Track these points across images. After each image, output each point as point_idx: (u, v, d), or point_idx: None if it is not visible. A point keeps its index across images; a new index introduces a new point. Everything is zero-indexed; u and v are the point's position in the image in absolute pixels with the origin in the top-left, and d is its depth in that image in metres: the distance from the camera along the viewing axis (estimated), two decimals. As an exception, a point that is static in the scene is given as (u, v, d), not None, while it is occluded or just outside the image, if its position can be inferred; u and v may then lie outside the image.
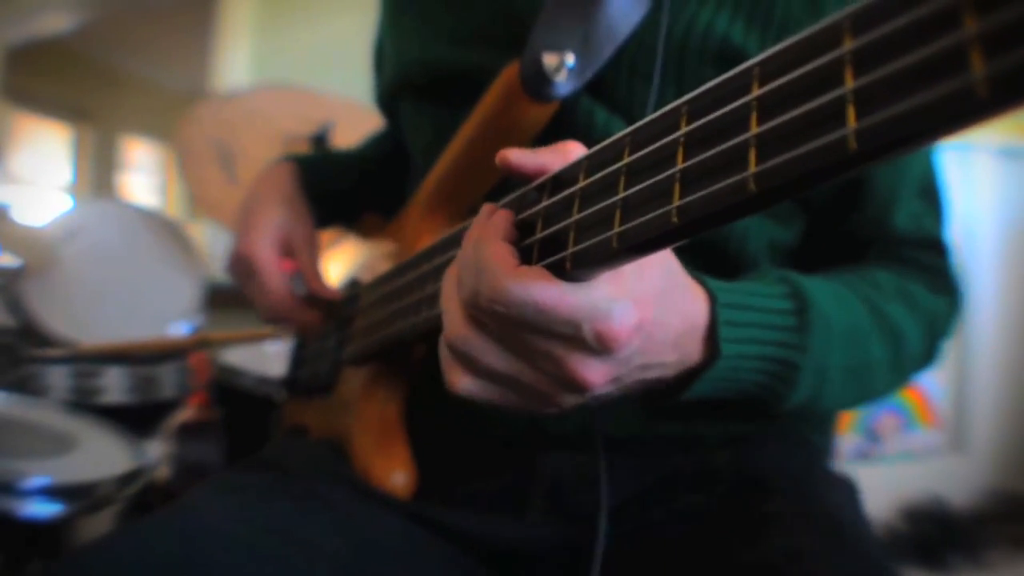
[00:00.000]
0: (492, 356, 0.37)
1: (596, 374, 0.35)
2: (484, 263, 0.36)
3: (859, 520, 0.57)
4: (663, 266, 0.38)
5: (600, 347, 0.34)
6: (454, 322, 0.38)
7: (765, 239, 0.56)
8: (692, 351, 0.42)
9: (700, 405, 0.46)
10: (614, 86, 0.55)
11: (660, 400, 0.44)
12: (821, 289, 0.49)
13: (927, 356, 0.58)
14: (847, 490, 0.61)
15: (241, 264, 0.70)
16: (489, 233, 0.37)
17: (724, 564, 0.50)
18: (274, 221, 0.71)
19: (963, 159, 2.46)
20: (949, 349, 0.60)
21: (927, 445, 2.46)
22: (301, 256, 0.72)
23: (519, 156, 0.38)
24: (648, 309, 0.36)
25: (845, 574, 0.48)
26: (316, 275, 0.72)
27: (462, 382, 0.38)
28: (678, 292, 0.40)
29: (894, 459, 2.38)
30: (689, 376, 0.43)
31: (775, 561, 0.49)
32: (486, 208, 0.40)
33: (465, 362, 0.38)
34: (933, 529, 2.25)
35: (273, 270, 0.69)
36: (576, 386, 0.36)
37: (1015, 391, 2.56)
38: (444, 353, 0.39)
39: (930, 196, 0.61)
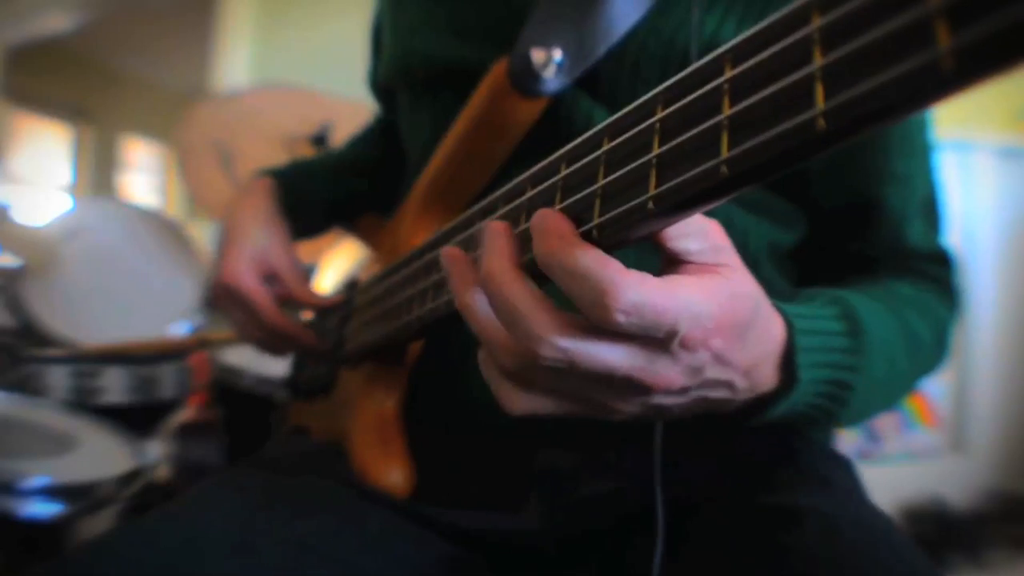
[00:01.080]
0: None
1: (665, 376, 0.34)
2: (595, 276, 0.31)
3: (851, 480, 0.59)
4: (755, 293, 0.36)
5: (676, 345, 0.32)
6: (546, 344, 0.33)
7: (765, 241, 0.56)
8: (765, 378, 0.41)
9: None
10: (617, 89, 0.54)
11: (725, 424, 0.44)
12: (866, 307, 0.49)
13: (935, 363, 0.59)
14: (841, 462, 0.62)
15: (226, 294, 0.70)
16: (568, 242, 0.33)
17: (726, 555, 0.50)
18: (251, 245, 0.71)
19: (963, 159, 2.46)
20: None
21: (927, 445, 2.46)
22: (285, 278, 0.72)
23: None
24: (729, 321, 0.34)
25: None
26: (306, 292, 0.72)
27: (521, 403, 0.36)
28: (763, 321, 0.39)
29: (894, 459, 2.38)
30: (755, 403, 0.42)
31: (767, 512, 0.49)
32: (496, 228, 0.36)
33: (528, 378, 0.35)
34: (933, 529, 2.25)
35: (256, 292, 0.69)
36: (642, 388, 0.34)
37: (1015, 391, 2.56)
38: (496, 374, 0.36)
39: (933, 210, 0.61)
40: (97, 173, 5.37)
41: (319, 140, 1.47)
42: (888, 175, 0.57)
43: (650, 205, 0.29)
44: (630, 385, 0.34)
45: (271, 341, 0.72)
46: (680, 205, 0.29)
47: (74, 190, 5.18)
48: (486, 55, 0.56)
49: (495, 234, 0.36)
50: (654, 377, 0.33)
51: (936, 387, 2.44)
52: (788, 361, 0.42)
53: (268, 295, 0.70)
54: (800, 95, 0.23)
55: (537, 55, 0.52)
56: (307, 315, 0.75)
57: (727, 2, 0.53)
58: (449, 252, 0.39)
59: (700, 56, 0.51)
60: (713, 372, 0.36)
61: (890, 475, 2.32)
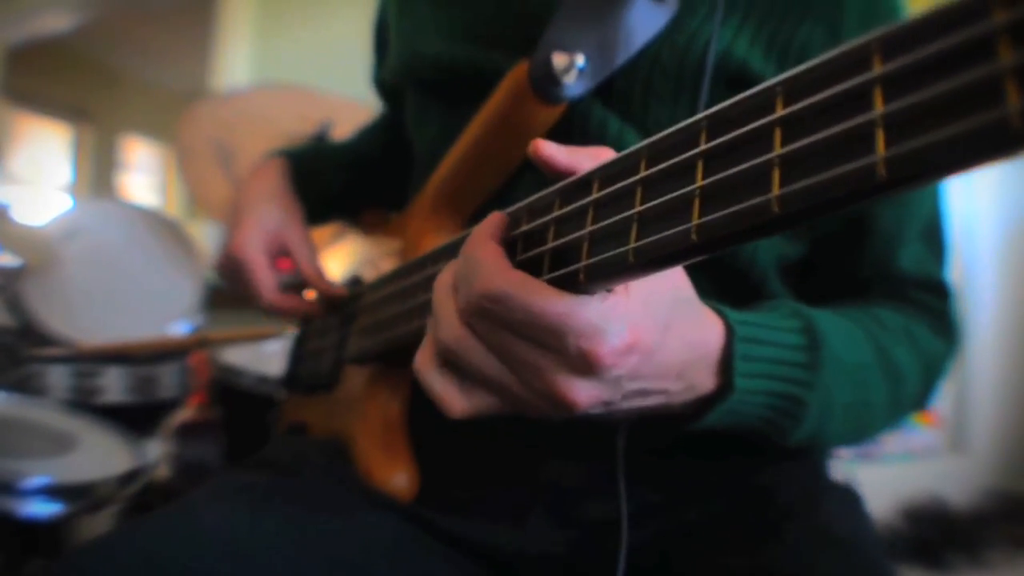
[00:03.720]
0: (484, 361, 0.36)
1: (580, 394, 0.34)
2: (475, 263, 0.35)
3: (861, 532, 0.57)
4: (674, 294, 0.37)
5: (583, 366, 0.33)
6: (449, 324, 0.37)
7: (774, 254, 0.56)
8: (702, 381, 0.41)
9: (704, 435, 0.45)
10: (629, 100, 0.54)
11: (667, 428, 0.44)
12: (832, 325, 0.48)
13: (923, 398, 0.58)
14: (848, 500, 0.61)
15: (230, 263, 0.69)
16: (479, 236, 0.37)
17: (723, 573, 0.50)
18: (264, 220, 0.70)
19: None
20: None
21: (927, 445, 2.46)
22: (298, 254, 0.71)
23: (552, 150, 0.37)
24: (646, 336, 0.34)
25: None
26: (316, 272, 0.71)
27: (458, 402, 0.37)
28: (687, 322, 0.39)
29: (894, 459, 2.38)
30: (697, 406, 0.42)
31: (773, 572, 0.49)
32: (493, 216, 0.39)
33: (457, 369, 0.37)
34: (933, 529, 2.25)
35: (260, 269, 0.68)
36: (559, 404, 0.35)
37: (1015, 391, 2.56)
38: (433, 380, 0.38)
39: (934, 238, 0.60)
40: (97, 173, 5.36)
41: (319, 140, 1.47)
42: None
43: (693, 236, 0.28)
44: (550, 396, 0.35)
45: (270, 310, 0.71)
46: (725, 238, 0.28)
47: (74, 190, 5.17)
48: (495, 58, 0.56)
49: (490, 219, 0.38)
50: (568, 390, 0.34)
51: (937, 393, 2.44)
52: (727, 367, 0.42)
53: (270, 272, 0.69)
54: (859, 141, 0.23)
55: (559, 59, 0.51)
56: (310, 295, 0.75)
57: (742, 16, 0.53)
58: None
59: (714, 69, 0.52)
60: (633, 384, 0.36)
61: (890, 475, 2.32)
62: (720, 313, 0.42)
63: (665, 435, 0.49)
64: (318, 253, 0.74)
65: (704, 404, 0.43)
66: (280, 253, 0.71)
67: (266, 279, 0.69)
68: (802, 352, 0.46)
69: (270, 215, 0.71)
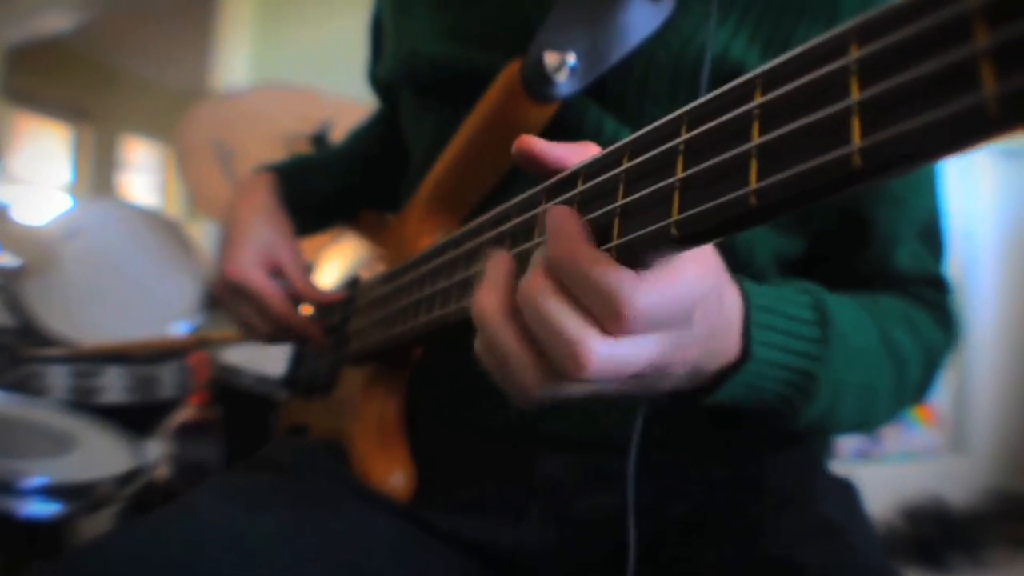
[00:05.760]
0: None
1: (596, 360, 0.32)
2: (601, 284, 0.32)
3: (857, 523, 0.57)
4: (714, 279, 0.36)
5: (611, 328, 0.32)
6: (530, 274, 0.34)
7: (771, 250, 0.56)
8: (726, 349, 0.40)
9: (715, 416, 0.45)
10: (624, 101, 0.54)
11: (681, 403, 0.43)
12: (840, 304, 0.48)
13: (924, 386, 0.58)
14: (846, 493, 0.61)
15: (231, 289, 0.69)
16: (580, 248, 0.33)
17: (720, 569, 0.50)
18: (255, 239, 0.70)
19: (963, 159, 2.46)
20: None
21: (927, 445, 2.46)
22: (290, 272, 0.71)
23: (540, 145, 0.37)
24: (675, 310, 0.33)
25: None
26: (309, 287, 0.72)
27: (488, 303, 0.35)
28: (711, 309, 0.37)
29: (894, 459, 2.38)
30: (714, 379, 0.42)
31: (770, 566, 0.49)
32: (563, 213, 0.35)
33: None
34: (933, 529, 2.25)
35: (264, 285, 0.68)
36: (571, 361, 0.32)
37: (1015, 391, 2.56)
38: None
39: (931, 236, 0.60)
40: (97, 173, 5.37)
41: (319, 140, 1.47)
42: (881, 194, 0.56)
43: (673, 231, 0.28)
44: (565, 355, 0.32)
45: (278, 335, 0.71)
46: (704, 232, 0.28)
47: (74, 190, 5.18)
48: (493, 61, 0.56)
49: (564, 219, 0.34)
50: (585, 351, 0.32)
51: (936, 387, 2.44)
52: (745, 335, 0.41)
53: (278, 289, 0.69)
54: (835, 129, 0.23)
55: (550, 58, 0.51)
56: (306, 310, 0.75)
57: (739, 17, 0.53)
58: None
59: (711, 70, 0.52)
60: (647, 359, 0.34)
61: (890, 475, 2.32)
62: (737, 281, 0.42)
63: (677, 424, 0.48)
64: (311, 270, 0.74)
65: (719, 377, 0.42)
66: (273, 272, 0.71)
67: (274, 293, 0.69)
68: (814, 327, 0.45)
69: (260, 234, 0.71)
